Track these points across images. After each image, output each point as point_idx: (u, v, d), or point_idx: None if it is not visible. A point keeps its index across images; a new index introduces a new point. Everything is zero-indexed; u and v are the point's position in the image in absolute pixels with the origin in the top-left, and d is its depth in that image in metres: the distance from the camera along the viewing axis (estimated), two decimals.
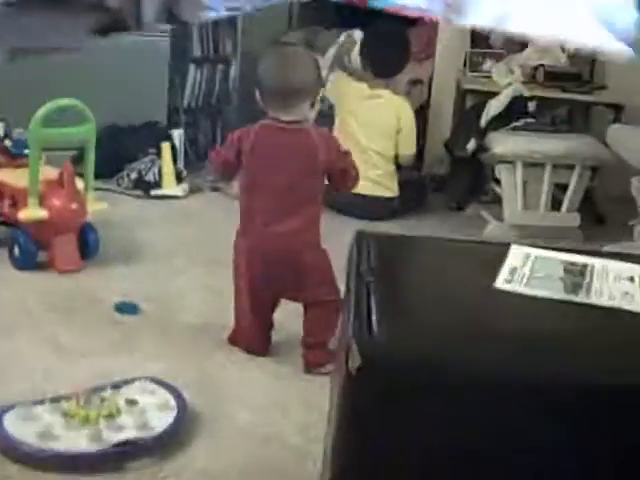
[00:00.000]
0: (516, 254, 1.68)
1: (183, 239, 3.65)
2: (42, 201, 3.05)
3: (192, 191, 4.41)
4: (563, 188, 4.07)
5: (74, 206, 3.09)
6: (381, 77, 4.14)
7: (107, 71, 4.44)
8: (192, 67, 4.83)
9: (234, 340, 2.67)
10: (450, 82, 4.88)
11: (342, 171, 2.57)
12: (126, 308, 2.84)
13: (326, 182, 2.60)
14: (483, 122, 4.08)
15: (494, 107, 4.08)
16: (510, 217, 4.04)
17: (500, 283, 1.55)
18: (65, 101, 3.08)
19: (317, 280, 2.56)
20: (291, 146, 2.52)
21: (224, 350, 2.65)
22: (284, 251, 2.52)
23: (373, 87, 4.14)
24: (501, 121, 4.10)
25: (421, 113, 5.15)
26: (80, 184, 3.18)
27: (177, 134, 4.65)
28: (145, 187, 4.29)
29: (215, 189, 4.50)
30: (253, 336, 2.64)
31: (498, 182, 4.15)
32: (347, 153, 2.64)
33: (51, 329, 2.68)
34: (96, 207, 3.20)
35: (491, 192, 4.36)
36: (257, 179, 2.55)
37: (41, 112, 3.04)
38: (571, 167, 3.98)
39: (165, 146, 4.29)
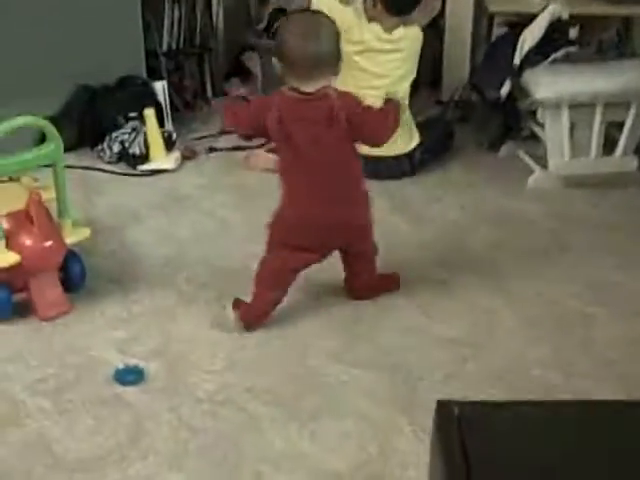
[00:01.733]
0: None
1: (182, 241, 3.12)
2: (10, 241, 2.52)
3: (185, 157, 3.84)
4: (617, 125, 3.50)
5: (49, 244, 2.55)
6: (397, 15, 3.47)
7: (70, 24, 3.78)
8: (167, 4, 4.14)
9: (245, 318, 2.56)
10: None
11: (369, 125, 2.47)
12: (129, 377, 2.35)
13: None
14: (517, 59, 3.44)
15: (530, 39, 3.44)
16: (556, 167, 3.48)
17: None
18: (21, 120, 2.48)
19: (363, 236, 2.63)
20: (317, 117, 2.41)
21: (259, 433, 2.19)
22: (336, 220, 2.51)
23: (388, 29, 3.47)
24: (538, 53, 3.47)
25: (434, 29, 4.50)
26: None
27: (160, 87, 4.03)
28: (131, 162, 3.72)
29: (212, 150, 3.93)
30: (264, 314, 2.59)
31: (536, 121, 3.58)
32: (370, 107, 2.50)
33: (40, 426, 2.19)
34: (75, 238, 2.66)
35: (528, 129, 3.79)
36: (292, 158, 2.49)
37: None
38: (626, 103, 3.40)
39: (148, 114, 3.68)
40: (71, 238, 2.64)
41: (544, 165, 3.56)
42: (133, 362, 2.43)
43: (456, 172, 3.70)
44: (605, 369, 2.38)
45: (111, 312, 2.68)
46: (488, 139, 3.80)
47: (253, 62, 4.64)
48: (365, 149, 2.61)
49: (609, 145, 3.49)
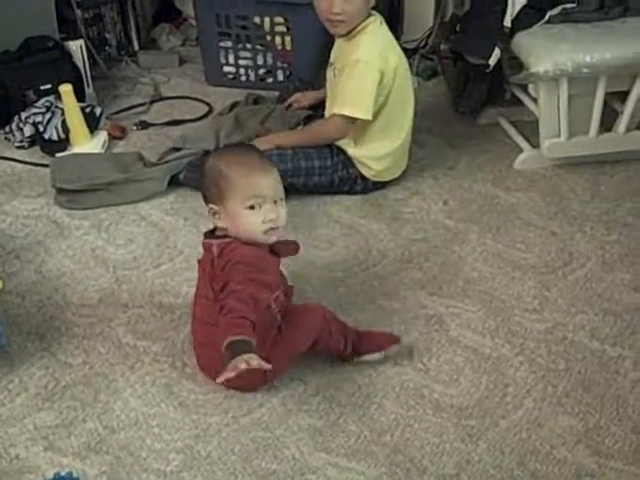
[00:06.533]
0: None
1: (118, 266, 2.56)
2: None
3: (113, 137, 3.23)
4: (613, 95, 3.01)
5: None
6: None
7: None
8: None
9: None
10: None
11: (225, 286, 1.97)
12: None
13: None
14: (508, 20, 2.90)
15: None
16: (551, 150, 3.00)
17: None
18: None
19: None
20: (204, 265, 2.08)
21: None
22: None
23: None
24: (532, 9, 2.93)
25: None
26: None
27: (77, 48, 3.38)
28: (47, 148, 3.10)
29: (144, 126, 3.33)
30: None
31: (527, 93, 3.07)
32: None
33: None
34: None
35: (510, 92, 3.28)
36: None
37: None
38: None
39: (65, 91, 3.04)
40: None
41: (528, 137, 3.11)
42: (65, 464, 1.93)
43: (433, 148, 3.19)
44: None
45: (34, 384, 2.15)
46: (468, 108, 3.28)
47: (186, 1, 3.99)
48: None
49: (606, 119, 3.01)
